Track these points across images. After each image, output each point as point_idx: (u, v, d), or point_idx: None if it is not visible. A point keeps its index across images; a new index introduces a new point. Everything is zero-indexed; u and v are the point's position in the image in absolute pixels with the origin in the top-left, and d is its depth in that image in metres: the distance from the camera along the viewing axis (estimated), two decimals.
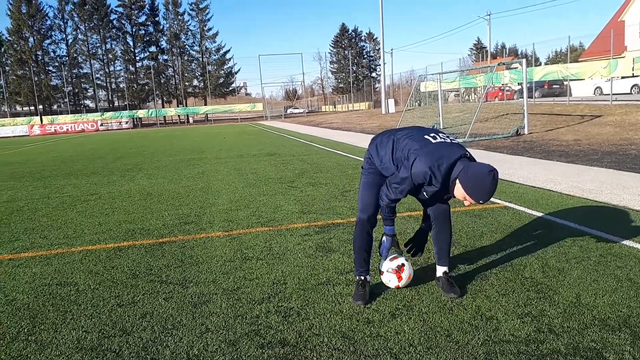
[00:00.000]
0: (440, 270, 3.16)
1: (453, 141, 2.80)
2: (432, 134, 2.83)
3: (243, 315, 2.89)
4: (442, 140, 2.77)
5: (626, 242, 3.84)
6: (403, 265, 3.07)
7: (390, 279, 3.08)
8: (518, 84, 25.53)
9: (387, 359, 2.33)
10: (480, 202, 2.58)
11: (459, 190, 2.62)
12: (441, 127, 17.11)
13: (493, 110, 20.41)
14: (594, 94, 26.80)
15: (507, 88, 30.01)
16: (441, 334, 2.54)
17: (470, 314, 2.76)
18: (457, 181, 2.60)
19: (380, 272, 3.13)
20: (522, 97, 15.14)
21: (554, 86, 28.07)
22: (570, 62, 23.53)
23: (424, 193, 2.84)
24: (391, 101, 36.02)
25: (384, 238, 3.01)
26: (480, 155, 10.10)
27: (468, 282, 3.21)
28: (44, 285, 3.55)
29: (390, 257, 3.10)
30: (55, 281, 3.62)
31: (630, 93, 24.71)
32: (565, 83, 24.95)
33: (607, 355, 2.25)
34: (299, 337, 2.59)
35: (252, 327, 2.73)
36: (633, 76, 21.73)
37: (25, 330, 2.81)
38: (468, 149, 2.75)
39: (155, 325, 2.81)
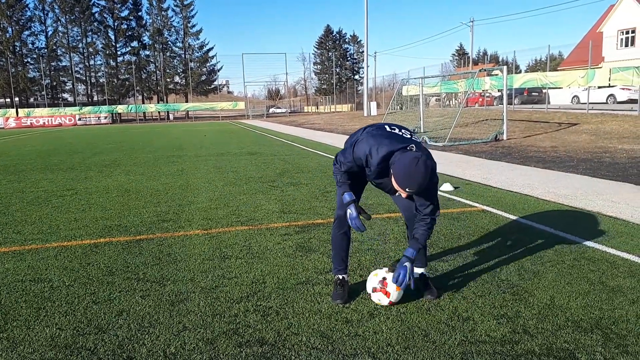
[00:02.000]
0: (418, 272, 3.19)
1: (413, 137, 2.80)
2: (392, 126, 2.87)
3: (221, 313, 2.87)
4: (398, 132, 2.80)
5: (599, 247, 3.93)
6: (384, 278, 2.88)
7: (379, 298, 2.89)
8: (498, 90, 25.91)
9: (365, 358, 2.34)
10: (407, 190, 2.54)
11: (393, 181, 2.60)
12: (422, 130, 17.27)
13: (473, 116, 20.68)
14: (572, 102, 27.36)
15: (488, 94, 30.44)
16: (418, 334, 2.56)
17: (447, 314, 2.79)
18: (391, 171, 2.60)
19: (368, 295, 2.96)
20: (502, 104, 15.37)
21: (533, 93, 28.59)
22: (550, 71, 23.98)
23: (375, 180, 2.88)
24: (373, 104, 36.19)
25: (347, 209, 2.86)
26: (460, 160, 10.23)
27: (445, 284, 3.24)
28: (17, 281, 3.48)
29: (370, 276, 2.98)
30: (28, 277, 3.55)
31: (606, 102, 25.29)
32: (544, 91, 25.42)
33: (579, 356, 2.30)
34: (277, 336, 2.58)
35: (230, 326, 2.71)
36: (609, 86, 22.27)
37: None
38: (443, 153, 2.77)
39: (131, 323, 2.78)
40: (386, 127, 2.86)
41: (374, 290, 2.90)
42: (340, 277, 3.12)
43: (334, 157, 2.99)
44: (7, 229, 5.00)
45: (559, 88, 24.68)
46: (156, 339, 2.58)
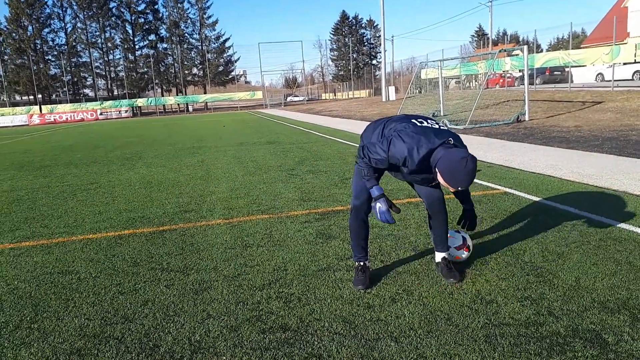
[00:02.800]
0: (439, 256, 3.17)
1: (441, 127, 2.76)
2: (420, 119, 2.82)
3: (244, 301, 2.91)
4: (429, 125, 2.75)
5: (625, 226, 3.84)
6: (465, 239, 3.27)
7: (463, 255, 3.27)
8: (519, 70, 25.42)
9: (388, 342, 2.34)
10: (459, 188, 2.53)
11: (440, 178, 2.58)
12: (442, 114, 17.07)
13: (494, 97, 20.33)
14: (596, 80, 26.68)
15: (508, 75, 29.89)
16: (441, 318, 2.55)
17: (470, 297, 2.77)
18: (436, 169, 2.57)
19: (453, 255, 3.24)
20: (523, 84, 15.07)
21: (555, 73, 27.94)
22: (572, 49, 23.37)
23: (409, 175, 2.82)
24: (392, 88, 35.88)
25: (374, 204, 2.80)
26: (481, 142, 10.09)
27: (468, 267, 3.22)
28: (45, 273, 3.57)
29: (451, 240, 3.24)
30: (56, 270, 3.64)
31: (632, 79, 24.59)
32: (566, 70, 24.83)
33: (606, 337, 2.27)
34: (300, 322, 2.60)
35: (253, 313, 2.74)
36: (635, 62, 21.61)
37: (28, 319, 2.83)
38: (464, 136, 2.72)
39: (156, 312, 2.83)
40: (414, 121, 2.78)
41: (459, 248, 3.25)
42: (362, 263, 3.12)
43: (358, 148, 2.94)
44: (34, 223, 5.13)
45: (583, 66, 24.06)
46: (181, 327, 2.62)
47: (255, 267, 3.47)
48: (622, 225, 3.87)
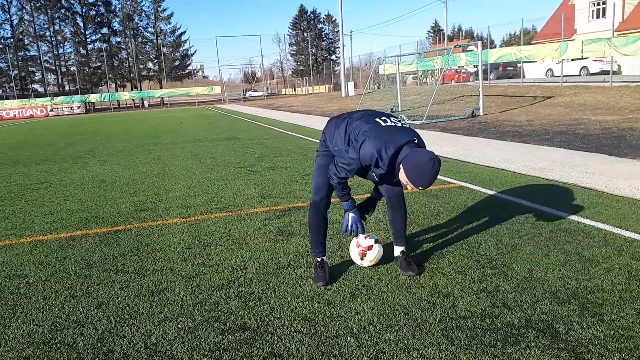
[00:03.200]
0: (398, 250, 3.21)
1: (404, 125, 2.79)
2: (383, 118, 2.82)
3: (202, 302, 2.85)
4: (393, 124, 2.76)
5: (575, 218, 4.00)
6: (371, 246, 3.11)
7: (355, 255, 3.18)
8: (474, 66, 26.02)
9: (348, 339, 2.35)
10: (420, 188, 2.60)
11: (402, 175, 2.61)
12: (399, 109, 17.29)
13: (450, 93, 20.77)
14: (546, 75, 27.67)
15: (463, 70, 30.57)
16: (400, 312, 2.58)
17: (428, 291, 2.82)
18: (401, 166, 2.60)
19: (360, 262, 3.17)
20: (478, 79, 15.45)
21: (508, 68, 28.77)
22: (524, 45, 24.14)
23: (374, 175, 2.87)
24: (351, 84, 36.08)
25: (347, 216, 2.97)
26: (438, 137, 10.28)
27: (425, 261, 3.27)
28: None
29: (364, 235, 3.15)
30: (3, 274, 3.46)
31: (579, 75, 25.63)
32: (519, 65, 25.62)
33: (557, 327, 2.35)
34: (259, 322, 2.58)
35: (211, 314, 2.69)
36: (582, 58, 22.52)
37: None
38: (421, 131, 2.75)
39: (111, 315, 2.74)
40: (378, 120, 2.78)
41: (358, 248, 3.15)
42: (320, 259, 3.12)
43: (313, 140, 2.94)
44: None
45: (534, 62, 24.93)
46: (137, 331, 2.54)
47: (213, 266, 3.41)
48: (572, 217, 4.03)
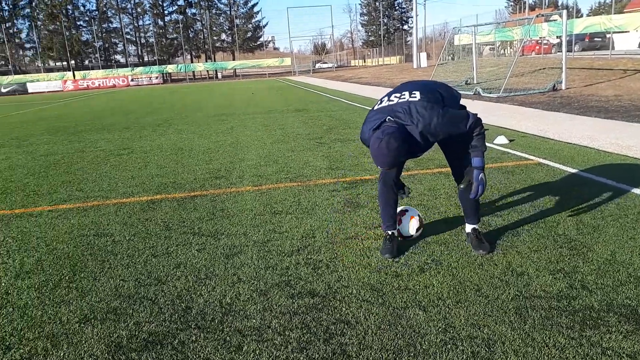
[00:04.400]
0: (469, 227, 3.13)
1: (400, 100, 2.73)
2: (393, 94, 2.83)
3: (273, 266, 2.95)
4: (388, 103, 2.76)
5: None
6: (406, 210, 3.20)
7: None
8: (557, 37, 24.39)
9: (416, 311, 2.35)
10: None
11: None
12: (474, 81, 16.63)
13: (529, 65, 19.65)
14: (639, 46, 25.41)
15: (545, 41, 28.73)
16: (470, 289, 2.54)
17: (501, 269, 2.74)
18: None
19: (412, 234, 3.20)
20: (561, 51, 14.49)
21: (595, 39, 26.69)
22: (615, 14, 22.26)
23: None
24: (423, 55, 35.02)
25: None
26: (515, 111, 9.81)
27: (499, 239, 3.17)
28: (82, 235, 3.68)
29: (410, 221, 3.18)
30: (92, 232, 3.75)
31: None
32: (608, 36, 23.70)
33: None
34: (328, 289, 2.63)
35: (282, 278, 2.78)
36: None
37: (67, 278, 2.93)
38: (497, 105, 2.63)
39: (188, 275, 2.90)
40: (376, 105, 2.86)
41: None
42: (390, 232, 3.11)
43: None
44: (70, 187, 5.28)
45: (625, 32, 22.91)
46: (212, 290, 2.68)
47: (284, 233, 3.50)
48: None
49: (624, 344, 2.00)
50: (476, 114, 2.80)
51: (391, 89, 2.95)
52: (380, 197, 3.10)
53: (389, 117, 2.65)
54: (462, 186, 2.92)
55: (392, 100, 2.76)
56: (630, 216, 3.42)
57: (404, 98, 2.73)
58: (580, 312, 2.26)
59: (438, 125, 2.64)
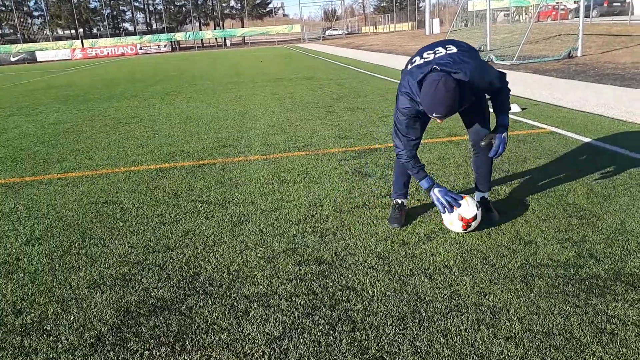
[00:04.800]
0: (479, 196, 3.10)
1: (436, 54, 2.57)
2: (415, 58, 2.68)
3: (281, 234, 2.96)
4: (423, 60, 2.59)
5: None
6: (475, 216, 2.73)
7: (455, 226, 2.78)
8: (574, 2, 23.70)
9: (422, 279, 2.35)
10: (434, 115, 2.41)
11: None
12: (488, 48, 16.28)
13: (545, 31, 19.14)
14: None
15: (562, 7, 27.93)
16: (477, 257, 2.53)
17: (508, 238, 2.73)
18: None
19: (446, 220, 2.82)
20: (578, 17, 14.08)
21: (614, 4, 25.87)
22: None
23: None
24: (436, 21, 34.28)
25: (433, 194, 2.73)
26: (529, 79, 9.62)
27: (507, 208, 3.15)
28: (91, 203, 3.72)
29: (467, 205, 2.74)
30: (101, 199, 3.78)
31: None
32: (627, 0, 22.94)
33: None
34: (334, 256, 2.64)
35: (289, 246, 2.79)
36: None
37: (77, 244, 2.97)
38: (510, 72, 2.54)
39: (197, 242, 2.92)
40: (409, 65, 2.70)
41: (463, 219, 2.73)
42: (400, 201, 3.09)
43: (392, 80, 2.84)
44: (80, 155, 5.30)
45: None
46: (220, 257, 2.70)
47: (291, 202, 3.50)
48: None
49: (630, 312, 1.99)
50: (505, 73, 2.73)
51: (415, 53, 2.78)
52: (396, 165, 3.06)
53: (434, 66, 2.47)
54: (483, 143, 2.76)
55: (428, 57, 2.60)
56: None
57: (441, 52, 2.59)
58: (587, 280, 2.25)
59: (483, 75, 2.53)
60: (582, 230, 2.77)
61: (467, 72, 2.43)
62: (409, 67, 2.67)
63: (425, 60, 2.59)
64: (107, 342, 2.00)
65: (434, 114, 2.43)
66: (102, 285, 2.46)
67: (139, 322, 2.13)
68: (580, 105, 6.44)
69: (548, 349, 1.81)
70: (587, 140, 4.67)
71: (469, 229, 2.76)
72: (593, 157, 4.11)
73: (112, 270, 2.62)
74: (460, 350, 1.83)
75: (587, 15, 20.07)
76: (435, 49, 2.63)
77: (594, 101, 6.71)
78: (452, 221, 2.75)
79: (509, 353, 1.80)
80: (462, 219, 2.71)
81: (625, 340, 1.83)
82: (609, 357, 1.74)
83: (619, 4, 25.68)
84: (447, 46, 2.63)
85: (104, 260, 2.75)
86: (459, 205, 2.70)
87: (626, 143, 4.45)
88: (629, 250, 2.51)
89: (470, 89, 2.48)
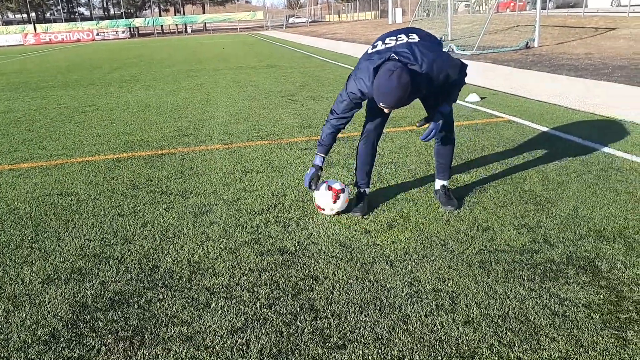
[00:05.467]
0: (439, 184, 3.16)
1: (398, 43, 2.57)
2: (387, 37, 2.67)
3: (243, 224, 2.93)
4: (384, 46, 2.59)
5: (628, 156, 3.80)
6: (343, 189, 2.95)
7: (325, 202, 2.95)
8: None
9: (383, 266, 2.38)
10: (382, 105, 2.42)
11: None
12: (449, 38, 16.50)
13: (504, 22, 19.55)
14: (611, 5, 25.50)
15: None
16: (437, 244, 2.58)
17: (467, 224, 2.79)
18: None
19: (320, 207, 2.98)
20: (535, 8, 14.43)
21: None
22: None
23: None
24: (398, 10, 34.48)
25: (309, 170, 2.90)
26: (488, 68, 9.82)
27: (466, 195, 3.21)
28: (45, 195, 3.58)
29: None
30: (55, 191, 3.65)
31: None
32: None
33: (599, 264, 2.30)
34: (297, 246, 2.64)
35: (252, 236, 2.77)
36: None
37: (29, 238, 2.86)
38: (470, 62, 2.57)
39: (156, 234, 2.86)
40: (369, 49, 2.69)
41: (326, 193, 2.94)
42: (362, 190, 3.11)
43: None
44: (32, 145, 5.09)
45: None
46: (180, 249, 2.66)
47: (254, 192, 3.47)
48: (625, 155, 3.83)
49: (581, 294, 2.07)
50: (466, 64, 2.76)
51: (377, 38, 2.76)
52: (359, 154, 3.07)
53: (392, 54, 2.47)
54: (418, 125, 2.87)
55: (389, 43, 2.60)
56: (593, 172, 3.51)
57: (402, 40, 2.58)
58: (541, 265, 2.32)
59: (442, 68, 2.52)
60: (537, 216, 2.85)
61: (424, 65, 2.45)
62: (370, 51, 2.67)
63: (387, 46, 2.59)
64: (61, 339, 1.94)
65: (381, 104, 2.44)
66: (56, 280, 2.37)
67: (96, 317, 2.07)
68: (536, 95, 6.62)
69: (504, 332, 1.86)
70: (543, 128, 4.81)
71: (338, 201, 2.91)
72: (548, 145, 4.24)
73: (67, 265, 2.53)
74: (420, 336, 1.86)
75: (543, 7, 20.60)
76: (398, 36, 2.63)
77: (550, 91, 6.91)
78: (322, 194, 2.92)
79: (467, 337, 1.84)
80: (330, 188, 2.91)
81: (577, 321, 1.90)
82: (561, 339, 1.81)
83: None
84: (410, 34, 2.63)
85: (59, 254, 2.65)
86: (312, 190, 2.93)
87: (579, 131, 4.61)
88: (580, 235, 2.60)
89: (425, 81, 2.49)
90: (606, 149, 4.02)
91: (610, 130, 4.66)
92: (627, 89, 6.81)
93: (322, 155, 2.87)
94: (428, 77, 2.49)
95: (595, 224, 2.71)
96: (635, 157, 3.78)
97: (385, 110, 2.55)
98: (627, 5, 18.72)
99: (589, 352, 1.73)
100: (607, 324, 1.88)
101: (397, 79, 2.32)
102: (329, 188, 2.93)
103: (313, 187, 2.92)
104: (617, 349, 1.75)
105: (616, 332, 1.83)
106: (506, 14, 25.47)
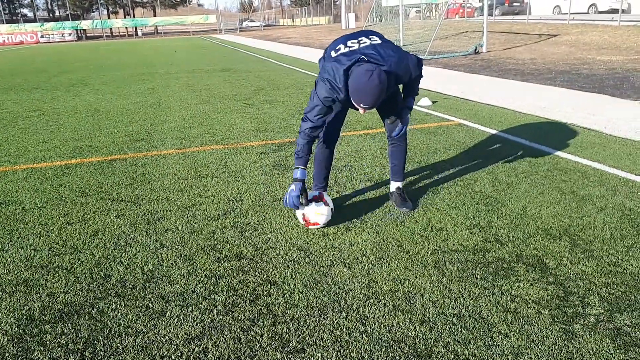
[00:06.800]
0: (394, 186, 3.21)
1: (361, 45, 2.59)
2: (338, 46, 2.65)
3: (199, 231, 2.88)
4: (348, 49, 2.60)
5: (572, 157, 3.99)
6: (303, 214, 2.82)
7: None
8: (479, 0, 25.12)
9: (341, 268, 2.39)
10: (362, 105, 2.46)
11: (351, 97, 2.51)
12: (401, 43, 16.83)
13: (453, 28, 20.16)
14: (553, 12, 26.76)
15: (469, 5, 29.50)
16: (393, 245, 2.62)
17: (421, 225, 2.85)
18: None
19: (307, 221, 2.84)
20: (483, 15, 14.95)
21: (514, 4, 27.80)
22: None
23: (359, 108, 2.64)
24: (352, 16, 34.90)
25: (292, 184, 2.73)
26: (439, 73, 10.07)
27: (420, 197, 3.28)
28: None
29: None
30: None
31: (587, 12, 24.81)
32: (525, 1, 24.73)
33: (547, 262, 2.39)
34: (255, 251, 2.61)
35: (208, 242, 2.72)
36: None
37: None
38: (425, 67, 2.63)
39: (107, 242, 2.77)
40: (332, 52, 2.66)
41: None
42: (319, 193, 3.12)
43: (310, 74, 2.81)
44: None
45: None
46: (133, 257, 2.58)
47: (210, 197, 3.42)
48: (569, 157, 4.02)
49: (531, 291, 2.15)
50: (422, 58, 2.82)
51: (336, 41, 2.74)
52: (317, 157, 3.07)
53: (361, 56, 2.48)
54: (388, 121, 2.97)
55: (352, 46, 2.60)
56: (540, 173, 3.66)
57: (365, 43, 2.61)
58: (493, 263, 2.40)
59: (406, 66, 2.60)
60: (488, 216, 2.95)
61: (391, 65, 2.52)
62: (334, 54, 2.64)
63: (351, 49, 2.60)
64: (7, 355, 1.84)
65: (361, 104, 2.46)
66: (0, 293, 2.25)
67: (44, 330, 1.98)
68: (485, 99, 6.85)
69: (459, 330, 1.91)
70: (492, 131, 4.98)
71: (329, 204, 2.84)
72: (497, 147, 4.39)
73: (12, 276, 2.41)
74: (379, 337, 1.88)
75: (490, 14, 21.35)
76: (359, 39, 2.66)
77: (498, 94, 7.16)
78: (316, 208, 2.79)
79: (423, 337, 1.88)
80: (304, 217, 2.81)
81: (527, 317, 1.97)
82: (513, 334, 1.87)
83: (518, 4, 27.60)
84: (370, 36, 2.67)
85: (3, 265, 2.52)
86: (296, 208, 2.77)
87: (526, 134, 4.80)
88: (529, 233, 2.70)
89: (393, 81, 2.58)
90: (552, 151, 4.20)
91: (555, 132, 4.87)
92: (569, 92, 7.15)
93: (303, 167, 2.72)
94: (396, 75, 2.58)
95: (542, 223, 2.82)
96: (578, 158, 3.97)
97: (361, 111, 2.56)
98: (567, 13, 19.69)
99: (539, 347, 1.80)
100: (556, 319, 1.96)
101: (378, 78, 2.38)
102: (319, 198, 2.82)
103: (303, 203, 2.76)
104: (565, 342, 1.82)
105: (564, 327, 1.91)
106: (456, 20, 26.27)
